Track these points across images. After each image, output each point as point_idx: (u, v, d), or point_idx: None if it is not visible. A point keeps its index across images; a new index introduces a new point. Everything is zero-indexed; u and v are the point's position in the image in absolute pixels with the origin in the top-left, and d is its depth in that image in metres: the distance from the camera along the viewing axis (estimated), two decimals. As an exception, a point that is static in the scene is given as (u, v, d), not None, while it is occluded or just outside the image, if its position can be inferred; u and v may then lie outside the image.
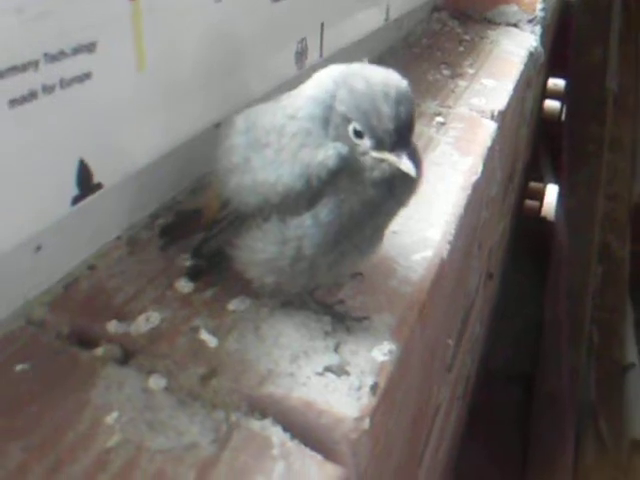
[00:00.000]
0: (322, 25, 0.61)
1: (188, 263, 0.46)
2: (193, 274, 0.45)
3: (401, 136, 0.36)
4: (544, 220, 2.38)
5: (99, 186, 0.39)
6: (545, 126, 2.01)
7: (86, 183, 0.37)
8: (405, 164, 0.36)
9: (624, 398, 1.95)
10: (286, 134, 0.37)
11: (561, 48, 1.75)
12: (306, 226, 0.37)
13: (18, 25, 0.30)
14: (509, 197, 1.25)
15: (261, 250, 0.38)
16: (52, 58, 0.32)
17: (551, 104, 1.98)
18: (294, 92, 0.40)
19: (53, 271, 0.43)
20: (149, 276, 0.45)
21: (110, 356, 0.39)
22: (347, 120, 0.36)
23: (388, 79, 0.37)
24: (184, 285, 0.44)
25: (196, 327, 0.41)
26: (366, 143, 0.36)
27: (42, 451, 0.33)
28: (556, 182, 2.16)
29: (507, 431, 1.89)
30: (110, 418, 0.35)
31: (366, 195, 0.37)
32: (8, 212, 0.33)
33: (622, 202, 1.92)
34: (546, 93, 1.93)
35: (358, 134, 0.36)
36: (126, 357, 0.39)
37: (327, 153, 0.36)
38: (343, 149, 0.36)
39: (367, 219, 0.38)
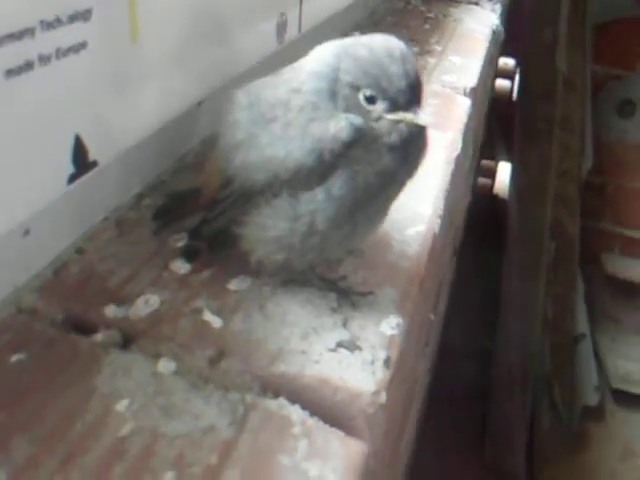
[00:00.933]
0: (301, 1, 0.60)
1: (182, 243, 0.45)
2: (189, 254, 0.43)
3: (413, 93, 0.36)
4: (496, 197, 2.43)
5: (94, 164, 0.37)
6: (496, 104, 2.04)
7: (82, 160, 0.35)
8: (423, 119, 0.36)
9: (576, 368, 2.03)
10: (292, 108, 0.36)
11: (511, 27, 1.78)
12: (319, 200, 0.36)
13: (15, -12, 0.28)
14: (471, 174, 1.26)
15: (271, 227, 0.37)
16: (48, 25, 0.30)
17: (502, 83, 2.01)
18: (295, 65, 0.39)
19: (41, 256, 0.41)
20: (142, 258, 0.44)
21: (110, 342, 0.37)
22: (356, 88, 0.36)
23: (388, 42, 0.37)
24: (180, 266, 0.43)
25: (198, 308, 0.40)
26: (380, 107, 0.36)
27: (51, 443, 0.31)
28: (508, 160, 2.20)
29: (467, 403, 1.94)
30: (120, 405, 0.33)
31: (381, 164, 0.36)
32: (4, 192, 0.31)
33: (572, 179, 1.98)
34: (497, 72, 1.95)
35: (370, 100, 0.36)
36: (127, 342, 0.38)
37: (339, 125, 0.36)
38: (356, 119, 0.36)
39: (381, 190, 0.37)
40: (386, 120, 0.36)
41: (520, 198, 2.07)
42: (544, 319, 1.96)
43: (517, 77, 2.02)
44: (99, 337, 0.37)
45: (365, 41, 0.37)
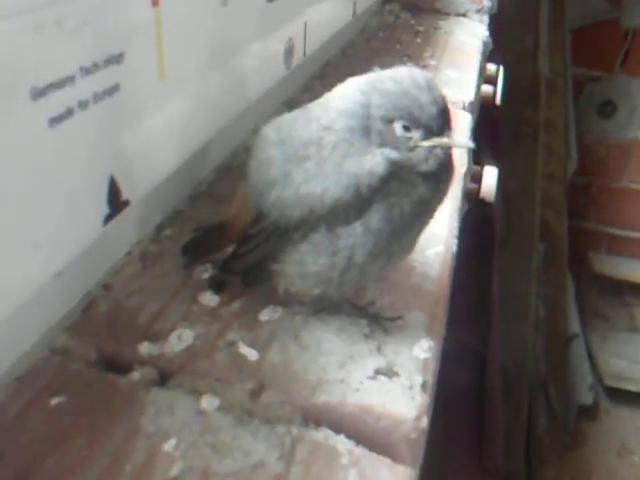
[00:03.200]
0: (305, 24, 0.61)
1: (207, 275, 0.45)
2: (217, 286, 0.44)
3: (444, 118, 0.37)
4: (483, 202, 2.44)
5: (127, 203, 0.37)
6: (481, 110, 2.06)
7: (116, 201, 0.36)
8: (460, 140, 0.37)
9: (570, 367, 2.05)
10: (325, 146, 0.37)
11: (494, 33, 1.80)
12: (357, 234, 0.37)
13: (58, 38, 0.28)
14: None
15: (312, 263, 0.38)
16: (87, 71, 0.30)
17: (485, 88, 2.03)
18: (321, 101, 0.40)
19: (70, 294, 0.41)
20: (169, 291, 0.44)
21: (148, 379, 0.38)
22: (389, 121, 0.37)
23: (412, 73, 0.38)
24: (209, 298, 0.43)
25: (233, 341, 0.40)
26: (415, 136, 0.37)
27: (102, 487, 0.31)
28: (494, 164, 2.22)
29: (462, 407, 1.94)
30: (168, 445, 0.33)
31: (416, 194, 0.37)
32: (47, 241, 0.31)
33: (558, 181, 2.00)
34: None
35: (405, 130, 0.36)
36: (164, 379, 0.38)
37: (375, 160, 0.36)
38: (391, 153, 0.36)
39: (415, 219, 0.38)
40: (422, 148, 0.37)
41: (507, 201, 2.09)
42: (536, 320, 1.98)
43: (500, 82, 2.05)
44: (136, 375, 0.37)
45: (390, 75, 0.38)
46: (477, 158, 2.46)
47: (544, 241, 2.01)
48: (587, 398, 2.04)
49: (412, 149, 0.37)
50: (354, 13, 0.81)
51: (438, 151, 0.37)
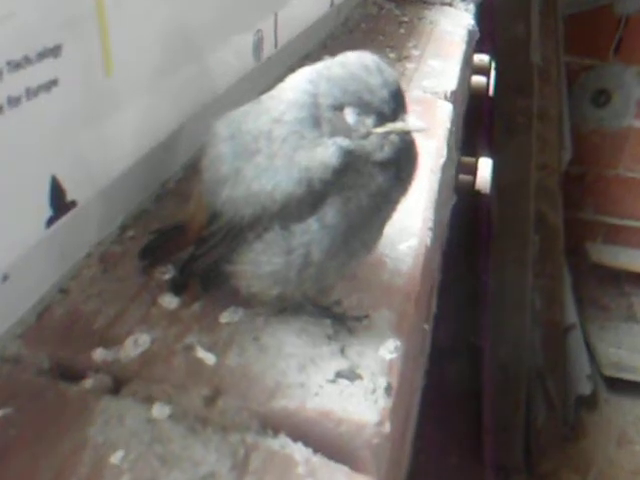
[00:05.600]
0: (276, 14, 0.59)
1: (168, 276, 0.43)
2: (177, 288, 0.42)
3: (397, 101, 0.35)
4: (478, 194, 2.43)
5: (73, 204, 0.35)
6: (473, 101, 2.05)
7: (60, 202, 0.34)
8: (414, 124, 0.35)
9: (568, 358, 2.04)
10: (276, 139, 0.35)
11: (484, 23, 1.78)
12: (313, 231, 0.35)
13: (-22, 32, 0.26)
14: (455, 175, 1.26)
15: (266, 262, 0.36)
16: (16, 66, 0.29)
17: (478, 79, 2.01)
18: (273, 93, 0.38)
19: (23, 300, 0.39)
20: (129, 295, 0.42)
21: (101, 387, 0.36)
22: (339, 109, 0.35)
23: (360, 56, 0.37)
24: (169, 300, 0.42)
25: (190, 345, 0.38)
26: (367, 122, 0.35)
27: (45, 502, 0.30)
28: (488, 155, 2.20)
29: (460, 401, 1.94)
30: (115, 457, 0.32)
31: (373, 186, 0.35)
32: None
33: (552, 171, 1.99)
34: (473, 69, 1.96)
35: (355, 117, 0.35)
36: (118, 386, 0.36)
37: (327, 151, 0.34)
38: (343, 142, 0.35)
39: (375, 212, 0.36)
40: (375, 135, 0.35)
41: (502, 193, 2.07)
42: (533, 312, 1.96)
43: (492, 73, 2.02)
44: (88, 383, 0.36)
45: (338, 60, 0.37)
46: (471, 150, 2.45)
47: (539, 232, 1.99)
48: (586, 388, 2.02)
49: (365, 137, 0.35)
50: (332, 4, 0.79)
51: (393, 137, 0.35)
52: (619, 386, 2.02)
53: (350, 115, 0.35)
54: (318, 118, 0.35)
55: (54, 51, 0.31)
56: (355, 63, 0.35)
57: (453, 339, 2.02)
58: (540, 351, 1.99)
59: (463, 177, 2.43)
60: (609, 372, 2.04)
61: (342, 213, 0.35)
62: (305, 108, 0.35)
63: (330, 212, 0.35)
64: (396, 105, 0.35)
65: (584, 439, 1.96)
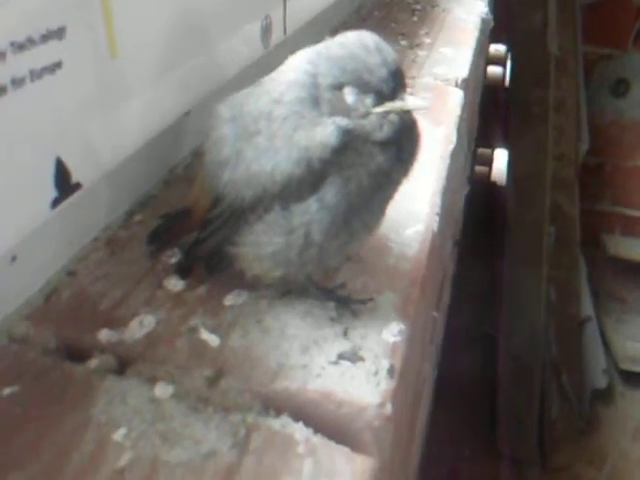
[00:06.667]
0: (284, 1, 0.59)
1: (175, 260, 0.44)
2: (183, 271, 0.42)
3: (397, 80, 0.35)
4: (494, 185, 2.41)
5: (78, 186, 0.36)
6: (489, 92, 2.03)
7: (65, 183, 0.34)
8: (413, 102, 0.35)
9: (583, 351, 2.02)
10: (276, 119, 0.35)
11: (500, 13, 1.76)
12: (313, 211, 0.35)
13: (-19, 12, 0.27)
14: (467, 164, 1.25)
15: (267, 243, 0.36)
16: (20, 47, 0.29)
17: (494, 70, 1.99)
18: (274, 75, 0.38)
19: (31, 281, 0.40)
20: (135, 277, 0.42)
21: (106, 367, 0.36)
22: (338, 88, 0.35)
23: (360, 35, 0.36)
24: (175, 283, 0.42)
25: (195, 327, 0.39)
26: (366, 102, 0.35)
27: (48, 478, 0.30)
28: (504, 147, 2.18)
29: (474, 393, 1.93)
30: (118, 435, 0.32)
31: (373, 165, 0.35)
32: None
33: (569, 162, 1.96)
34: (488, 59, 1.94)
35: (355, 97, 0.35)
36: (123, 366, 0.37)
37: (326, 130, 0.34)
38: (342, 121, 0.35)
39: (376, 192, 0.36)
40: (375, 114, 0.35)
41: (518, 184, 2.06)
42: (548, 304, 1.95)
43: (509, 63, 2.00)
44: (93, 363, 0.36)
45: (337, 40, 0.36)
46: (487, 141, 2.43)
47: (555, 224, 1.97)
48: (601, 382, 2.01)
49: (364, 116, 0.35)
50: (343, -10, 0.79)
51: (393, 117, 0.35)
52: (635, 380, 2.00)
53: (349, 95, 0.35)
54: (317, 98, 0.35)
55: (58, 33, 0.31)
56: (354, 43, 0.35)
57: (468, 330, 2.01)
58: (555, 343, 1.98)
59: (479, 168, 2.42)
60: (625, 366, 2.02)
61: (342, 192, 0.35)
62: (304, 88, 0.35)
63: (330, 191, 0.35)
64: (395, 84, 0.35)
65: (599, 433, 1.95)
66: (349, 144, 0.35)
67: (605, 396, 2.01)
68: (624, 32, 2.03)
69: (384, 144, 0.35)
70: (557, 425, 1.92)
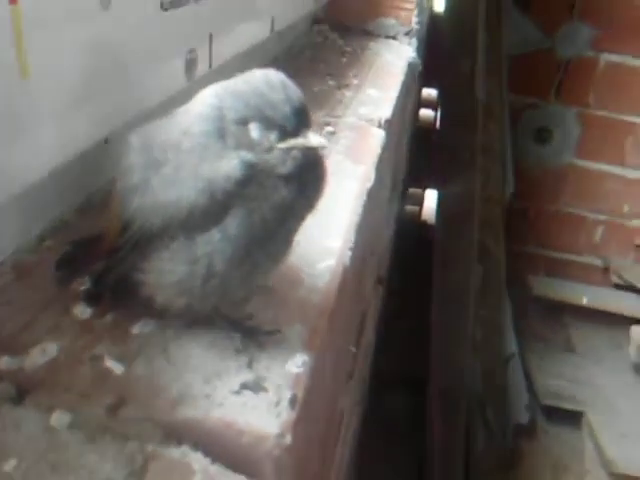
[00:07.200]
0: (211, 36, 0.60)
1: (84, 287, 0.43)
2: (91, 298, 0.42)
3: (300, 117, 0.36)
4: (424, 224, 2.48)
5: (-19, 208, 0.35)
6: (422, 134, 2.11)
7: (-33, 205, 0.34)
8: (315, 139, 0.36)
9: (507, 387, 2.08)
10: (182, 150, 0.36)
11: (433, 59, 1.84)
12: (215, 241, 0.36)
13: None
14: (393, 203, 1.29)
15: (170, 271, 0.37)
16: None
17: (426, 113, 2.07)
18: (187, 107, 0.39)
19: None
20: (41, 303, 0.42)
21: (3, 395, 0.35)
22: (242, 123, 0.36)
23: (265, 73, 0.38)
24: (82, 311, 0.41)
25: (99, 355, 0.38)
26: (269, 137, 0.36)
27: None
28: (434, 187, 2.26)
29: (402, 432, 1.95)
30: (8, 465, 0.31)
31: (277, 198, 0.36)
32: None
33: (496, 204, 2.04)
34: (421, 102, 2.02)
35: (258, 132, 0.36)
36: (21, 395, 0.36)
37: (231, 164, 0.35)
38: (247, 155, 0.36)
39: (279, 225, 0.37)
40: (278, 150, 0.36)
41: (446, 224, 2.12)
42: (474, 342, 2.00)
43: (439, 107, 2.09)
44: (-10, 391, 0.35)
45: (245, 77, 0.38)
46: (419, 182, 2.50)
47: (482, 263, 2.04)
48: (524, 417, 2.06)
49: (268, 151, 0.36)
50: (272, 29, 0.81)
51: (296, 153, 0.37)
52: (557, 416, 2.06)
53: (254, 130, 0.36)
54: (223, 131, 0.36)
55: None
56: (260, 80, 0.37)
57: (398, 369, 2.04)
58: (480, 380, 2.03)
59: (410, 207, 2.48)
60: (548, 401, 2.08)
61: (245, 224, 0.36)
62: (210, 121, 0.36)
63: (233, 223, 0.36)
64: (298, 121, 0.36)
65: (521, 467, 1.99)
66: (253, 178, 0.36)
67: (528, 431, 2.07)
68: (547, 83, 2.15)
69: (287, 179, 0.37)
70: (482, 459, 1.95)
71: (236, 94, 0.36)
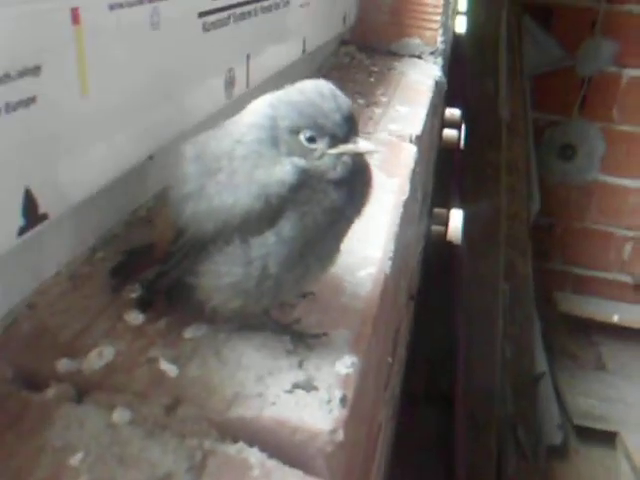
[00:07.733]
0: (248, 56, 0.62)
1: (136, 294, 0.45)
2: (143, 305, 0.43)
3: (349, 125, 0.38)
4: (450, 244, 2.47)
5: (45, 217, 0.37)
6: (446, 154, 2.12)
7: (32, 213, 0.36)
8: (364, 145, 0.38)
9: (538, 407, 2.05)
10: (236, 157, 0.38)
11: (455, 79, 1.86)
12: (270, 244, 0.37)
13: (-36, 48, 0.28)
14: (423, 219, 1.29)
15: (225, 274, 0.38)
16: (-3, 81, 0.31)
17: (450, 133, 2.08)
18: (236, 118, 0.41)
19: (-9, 314, 0.40)
20: (96, 310, 0.43)
21: (63, 396, 0.37)
22: (295, 132, 0.38)
23: (317, 84, 0.40)
24: (135, 317, 0.43)
25: (154, 358, 0.40)
26: (321, 144, 0.38)
27: (2, 503, 0.30)
28: (460, 207, 2.26)
29: (431, 452, 1.93)
30: (74, 459, 0.33)
31: (328, 202, 0.38)
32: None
33: (522, 221, 2.04)
34: (444, 122, 2.03)
35: (311, 140, 0.38)
36: (81, 395, 0.37)
37: (284, 169, 0.37)
38: (299, 161, 0.37)
39: (330, 228, 0.39)
40: (328, 155, 0.38)
41: (472, 243, 2.12)
42: (503, 361, 1.98)
43: (463, 127, 2.10)
44: (51, 392, 0.37)
45: (296, 87, 0.40)
46: (444, 201, 2.49)
47: (509, 281, 2.03)
48: (556, 438, 2.03)
49: (319, 157, 0.38)
50: (304, 50, 0.83)
51: (346, 158, 0.38)
52: (589, 436, 2.03)
53: (306, 137, 0.38)
54: (277, 139, 0.38)
55: (34, 71, 0.33)
56: (312, 90, 0.38)
57: (426, 387, 2.02)
58: (510, 400, 2.00)
59: (436, 228, 2.48)
60: (579, 421, 2.05)
61: (298, 227, 0.37)
62: (264, 130, 0.38)
63: (287, 226, 0.37)
64: (348, 128, 0.38)
65: (555, 489, 1.95)
66: (305, 182, 0.37)
67: (561, 452, 2.03)
68: (570, 100, 2.16)
69: (337, 183, 0.38)
70: (514, 481, 1.92)
71: (290, 104, 0.38)
